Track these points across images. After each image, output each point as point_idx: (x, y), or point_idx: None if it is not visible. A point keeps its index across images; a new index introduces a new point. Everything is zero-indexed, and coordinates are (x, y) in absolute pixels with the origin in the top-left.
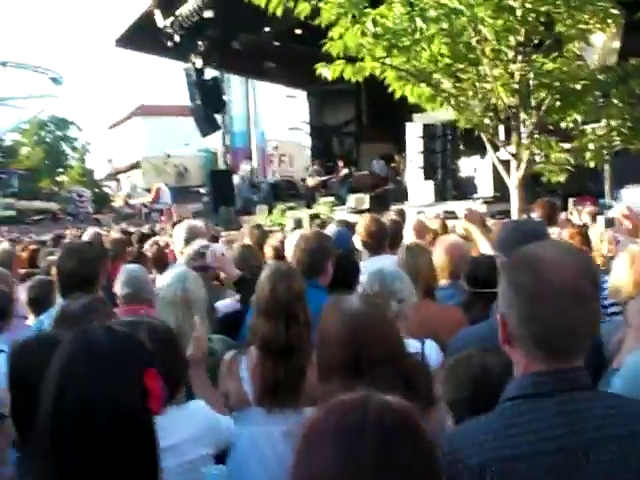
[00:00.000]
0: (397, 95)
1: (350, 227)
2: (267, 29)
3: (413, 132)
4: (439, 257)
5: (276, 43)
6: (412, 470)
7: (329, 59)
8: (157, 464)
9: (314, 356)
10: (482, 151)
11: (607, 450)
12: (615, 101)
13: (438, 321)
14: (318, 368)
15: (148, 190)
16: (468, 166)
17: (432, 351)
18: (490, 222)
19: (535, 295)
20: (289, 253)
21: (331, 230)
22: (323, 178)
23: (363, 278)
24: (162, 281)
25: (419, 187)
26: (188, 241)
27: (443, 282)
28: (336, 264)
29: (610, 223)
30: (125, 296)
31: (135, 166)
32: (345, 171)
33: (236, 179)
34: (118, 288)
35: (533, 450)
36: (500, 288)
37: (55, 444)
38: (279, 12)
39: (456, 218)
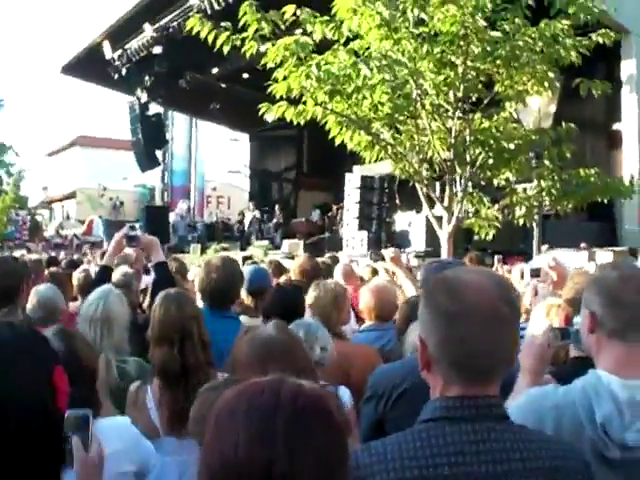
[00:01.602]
0: (337, 141)
1: (280, 267)
2: (215, 70)
3: (351, 183)
4: (366, 299)
5: (223, 85)
6: (323, 452)
7: (273, 102)
8: (62, 462)
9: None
10: (417, 206)
11: None
12: (547, 163)
13: (351, 358)
14: None
15: (81, 221)
16: (403, 220)
17: (345, 395)
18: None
19: (452, 316)
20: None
21: (247, 268)
22: (258, 215)
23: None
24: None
25: (353, 237)
26: (117, 266)
27: (369, 323)
28: (280, 298)
29: (535, 273)
30: (38, 319)
31: (70, 196)
32: (280, 218)
33: (172, 217)
34: (30, 310)
35: (439, 474)
36: (419, 312)
37: None
38: (226, 49)
39: (383, 260)
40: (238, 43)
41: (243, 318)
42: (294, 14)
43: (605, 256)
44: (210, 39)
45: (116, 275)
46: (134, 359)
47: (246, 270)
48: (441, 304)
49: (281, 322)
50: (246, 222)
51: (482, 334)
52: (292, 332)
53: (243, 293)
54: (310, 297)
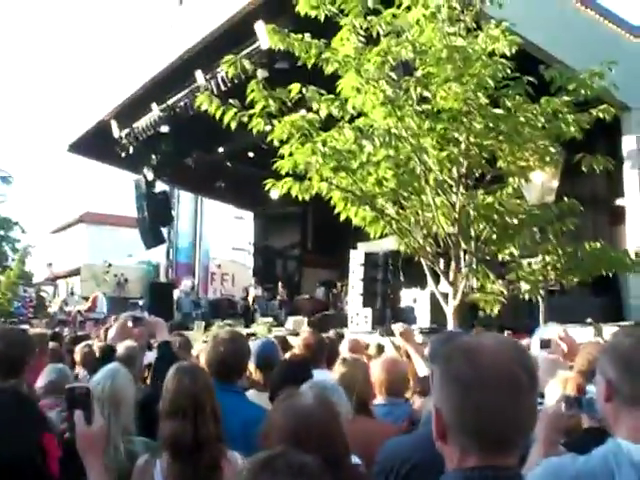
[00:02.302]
0: (342, 217)
1: (285, 342)
2: (221, 149)
3: (355, 260)
4: (377, 374)
5: (228, 163)
6: None
7: (278, 180)
8: None
9: (230, 453)
10: (422, 283)
11: None
12: (551, 237)
13: (373, 437)
14: None
15: (85, 298)
16: (407, 296)
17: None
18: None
19: (469, 383)
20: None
21: (257, 342)
22: (260, 293)
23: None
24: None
25: (358, 314)
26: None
27: (380, 399)
28: (288, 372)
29: (545, 344)
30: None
31: (74, 272)
32: (284, 295)
33: (177, 293)
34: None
35: None
36: (434, 380)
37: None
38: (233, 125)
39: (392, 335)
40: (245, 120)
41: (251, 392)
42: (300, 92)
43: (612, 331)
44: (218, 115)
45: (120, 349)
46: (141, 439)
47: (255, 344)
48: (457, 371)
49: (322, 392)
50: (250, 299)
51: (500, 401)
52: (332, 406)
53: (251, 367)
54: (339, 373)
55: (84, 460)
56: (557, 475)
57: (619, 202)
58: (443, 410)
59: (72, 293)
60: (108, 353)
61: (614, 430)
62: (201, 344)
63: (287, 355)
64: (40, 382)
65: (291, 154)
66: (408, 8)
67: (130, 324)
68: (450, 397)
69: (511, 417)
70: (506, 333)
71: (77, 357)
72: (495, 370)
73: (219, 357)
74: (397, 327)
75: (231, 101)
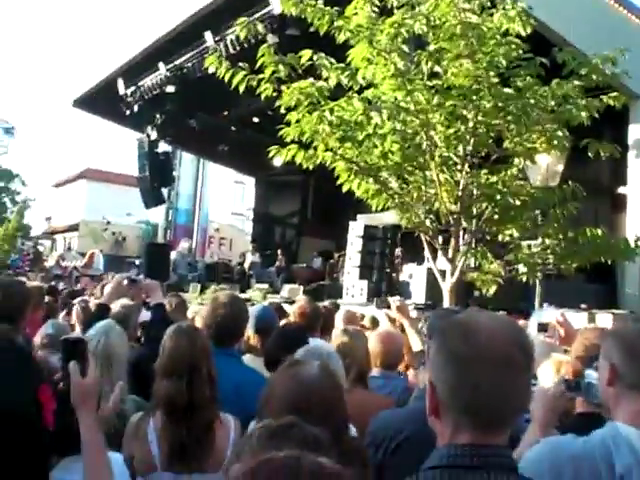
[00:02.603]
0: (345, 188)
1: (280, 310)
2: (226, 113)
3: (354, 231)
4: (373, 346)
5: (232, 127)
6: None
7: (283, 147)
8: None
9: (223, 415)
10: (419, 258)
11: None
12: (552, 221)
13: (368, 409)
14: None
15: (82, 254)
16: (404, 271)
17: None
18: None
19: (465, 360)
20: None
21: (255, 307)
22: (258, 259)
23: (298, 354)
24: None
25: (353, 285)
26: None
27: (375, 371)
28: (284, 337)
29: (543, 328)
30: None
31: (73, 228)
32: (282, 262)
33: (173, 255)
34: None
35: None
36: (430, 354)
37: None
38: (241, 88)
39: (388, 308)
40: (254, 84)
41: (248, 357)
42: (310, 59)
43: (605, 318)
44: (227, 78)
45: (116, 307)
46: (132, 398)
47: (254, 309)
48: (454, 348)
49: (327, 364)
50: (246, 265)
51: (495, 380)
52: (336, 377)
53: (250, 331)
54: (338, 342)
55: (77, 412)
56: (556, 454)
57: (621, 190)
58: (437, 386)
59: (69, 248)
60: (103, 311)
61: (613, 414)
62: (196, 306)
63: (282, 322)
64: (38, 335)
65: (298, 121)
66: None
67: (125, 283)
68: (445, 373)
69: (506, 396)
70: (502, 314)
71: (73, 312)
72: (491, 348)
73: (218, 320)
74: (394, 300)
75: (240, 64)
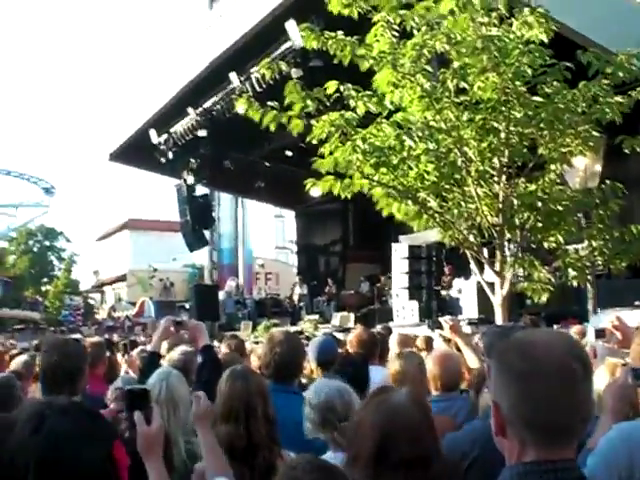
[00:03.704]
0: (385, 213)
1: (335, 340)
2: (258, 150)
3: (399, 253)
4: (431, 369)
5: (266, 164)
6: None
7: (317, 178)
8: None
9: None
10: (465, 273)
11: None
12: (596, 222)
13: None
14: (347, 456)
15: (132, 303)
16: (453, 288)
17: None
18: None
19: (525, 375)
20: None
21: (317, 339)
22: (305, 291)
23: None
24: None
25: (404, 307)
26: (172, 348)
27: (436, 394)
28: (347, 368)
29: (600, 334)
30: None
31: (121, 279)
32: (333, 289)
33: (221, 295)
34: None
35: None
36: (491, 374)
37: None
38: (273, 127)
39: (441, 328)
40: (284, 121)
41: None
42: (337, 90)
43: None
44: (257, 118)
45: (175, 355)
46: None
47: (315, 341)
48: (513, 365)
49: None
50: (295, 297)
51: (555, 392)
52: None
53: (312, 364)
54: (395, 367)
55: (145, 460)
56: (629, 438)
57: None
58: (501, 404)
59: (119, 299)
60: (153, 357)
61: None
62: (250, 344)
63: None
64: (110, 390)
65: (331, 153)
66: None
67: (172, 328)
68: (507, 391)
69: (567, 407)
70: (555, 327)
71: (136, 363)
72: (549, 362)
73: (276, 358)
74: (445, 320)
75: (270, 103)
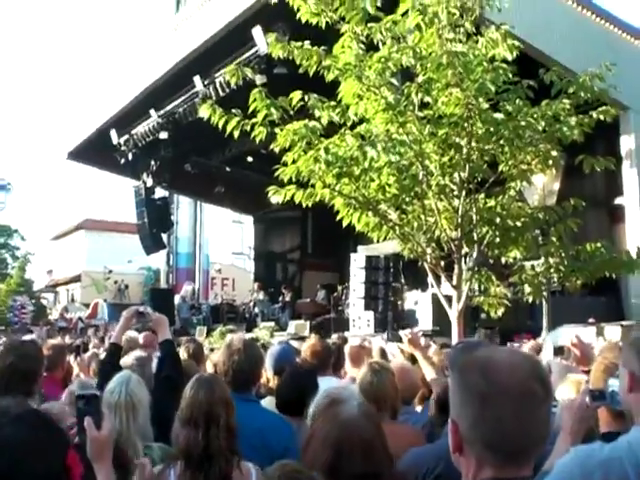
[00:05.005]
0: (345, 223)
1: (292, 349)
2: (219, 154)
3: (357, 263)
4: None
5: (227, 168)
6: None
7: (279, 185)
8: None
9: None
10: (422, 285)
11: None
12: (553, 239)
13: (400, 441)
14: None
15: (86, 305)
16: (409, 299)
17: None
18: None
19: (485, 396)
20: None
21: (274, 348)
22: (262, 297)
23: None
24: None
25: (360, 317)
26: (126, 352)
27: None
28: (293, 381)
29: (559, 352)
30: None
31: (75, 279)
32: (288, 297)
33: (177, 299)
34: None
35: None
36: (450, 392)
37: None
38: (236, 134)
39: (399, 341)
40: (248, 128)
41: (268, 399)
42: (301, 99)
43: (613, 331)
44: (221, 124)
45: (129, 360)
46: (159, 445)
47: (273, 350)
48: (473, 384)
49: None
50: (251, 303)
51: (516, 414)
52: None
53: (269, 373)
54: (364, 381)
55: (94, 465)
56: (585, 462)
57: (618, 201)
58: (460, 423)
59: (73, 300)
60: (113, 351)
61: (636, 419)
62: (207, 350)
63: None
64: (65, 394)
65: (294, 161)
66: (405, 13)
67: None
68: (466, 410)
69: (527, 429)
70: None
71: (91, 366)
72: (511, 384)
73: (234, 366)
74: (405, 333)
75: (234, 111)
